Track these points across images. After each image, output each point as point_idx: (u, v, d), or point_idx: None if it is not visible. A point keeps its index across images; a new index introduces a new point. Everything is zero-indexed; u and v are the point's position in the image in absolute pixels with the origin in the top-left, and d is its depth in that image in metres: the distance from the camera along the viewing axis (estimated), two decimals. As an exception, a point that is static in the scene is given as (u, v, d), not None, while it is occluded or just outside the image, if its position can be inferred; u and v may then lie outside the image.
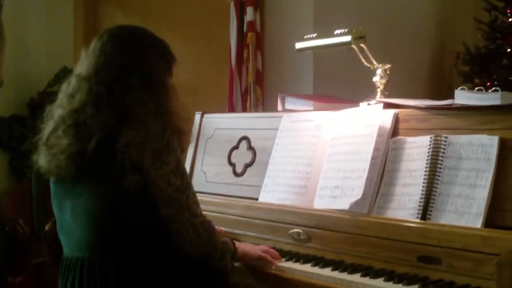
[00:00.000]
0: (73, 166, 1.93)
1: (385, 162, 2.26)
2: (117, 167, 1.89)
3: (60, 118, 1.99)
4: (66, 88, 2.03)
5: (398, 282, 1.93)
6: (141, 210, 1.95)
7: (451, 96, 2.22)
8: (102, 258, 1.94)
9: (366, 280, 1.98)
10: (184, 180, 1.99)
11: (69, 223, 2.00)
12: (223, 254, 2.08)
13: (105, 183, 1.92)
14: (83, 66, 2.02)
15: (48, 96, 4.46)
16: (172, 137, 1.96)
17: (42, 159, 2.02)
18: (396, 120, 2.30)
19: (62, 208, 2.02)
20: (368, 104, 2.47)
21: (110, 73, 1.96)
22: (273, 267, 2.20)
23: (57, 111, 2.02)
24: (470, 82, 4.65)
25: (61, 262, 2.04)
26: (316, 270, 2.12)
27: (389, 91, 2.58)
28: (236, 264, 2.16)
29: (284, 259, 2.25)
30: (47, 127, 2.03)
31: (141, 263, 1.95)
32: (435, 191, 2.07)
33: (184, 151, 2.06)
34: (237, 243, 2.19)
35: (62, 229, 2.05)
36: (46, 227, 4.10)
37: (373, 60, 2.56)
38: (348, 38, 2.54)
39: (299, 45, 2.81)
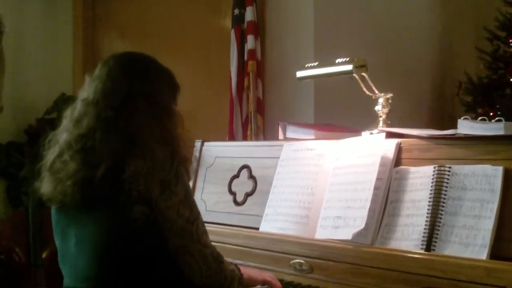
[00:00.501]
0: (79, 193, 1.91)
1: (388, 192, 2.26)
2: (125, 197, 1.87)
3: (66, 143, 1.97)
4: (71, 113, 2.02)
5: (402, 314, 1.92)
6: (147, 243, 1.92)
7: (453, 126, 2.23)
8: None
9: (370, 312, 1.98)
10: (193, 210, 1.98)
11: (72, 252, 1.97)
12: (231, 282, 2.07)
13: (111, 213, 1.90)
14: (89, 91, 2.01)
15: (46, 123, 4.53)
16: (180, 166, 1.95)
17: (45, 186, 2.00)
18: (399, 149, 2.31)
19: (65, 236, 2.00)
20: (371, 133, 2.48)
21: (118, 97, 1.96)
22: None
23: (62, 136, 2.00)
24: (473, 112, 4.67)
25: None
26: (319, 301, 2.11)
27: (391, 120, 2.59)
28: None
29: (285, 290, 2.24)
30: (51, 153, 2.02)
31: None
32: (440, 222, 2.06)
33: (190, 179, 2.05)
34: (242, 269, 2.17)
35: (64, 259, 2.02)
36: (44, 255, 4.07)
37: (374, 89, 2.57)
38: (349, 67, 2.55)
39: (300, 73, 2.83)
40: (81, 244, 1.94)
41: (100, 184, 1.88)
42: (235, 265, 2.17)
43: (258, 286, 2.20)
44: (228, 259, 2.46)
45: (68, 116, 2.03)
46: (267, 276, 2.23)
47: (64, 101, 4.64)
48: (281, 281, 2.31)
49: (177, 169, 1.93)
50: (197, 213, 2.00)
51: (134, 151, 1.89)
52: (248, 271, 2.21)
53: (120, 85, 1.99)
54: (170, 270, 1.97)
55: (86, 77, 2.07)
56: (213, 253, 2.03)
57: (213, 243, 2.04)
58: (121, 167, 1.87)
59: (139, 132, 1.92)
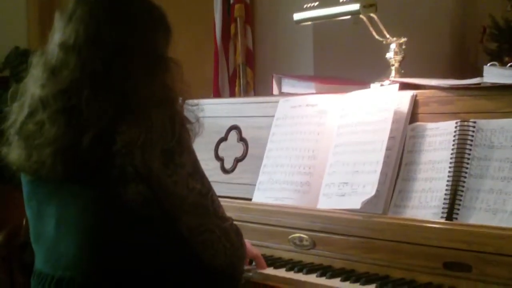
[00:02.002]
0: (61, 165, 1.82)
1: (402, 153, 2.26)
2: (116, 173, 1.80)
3: (40, 100, 1.86)
4: (44, 61, 1.91)
5: (420, 293, 1.94)
6: (145, 229, 1.88)
7: (477, 77, 2.23)
8: (96, 282, 1.88)
9: (383, 292, 2.00)
10: (204, 181, 1.94)
11: (50, 235, 1.92)
12: (245, 258, 2.10)
13: (100, 193, 1.84)
14: (64, 34, 1.89)
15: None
16: (183, 130, 1.88)
17: (15, 152, 1.91)
18: (415, 103, 2.31)
19: (41, 215, 1.94)
20: (381, 85, 2.48)
21: (107, 47, 1.86)
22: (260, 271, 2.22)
23: (32, 89, 1.90)
24: (499, 60, 4.66)
25: (34, 276, 1.98)
26: (323, 281, 2.12)
27: (404, 69, 2.59)
28: None
29: (284, 269, 2.25)
30: (19, 111, 1.92)
31: None
32: (463, 186, 2.07)
33: (193, 142, 1.99)
34: None
35: (38, 239, 1.97)
36: (-1, 238, 4.08)
37: (385, 32, 2.56)
38: (356, 6, 2.54)
39: (297, 15, 2.81)
40: (62, 227, 1.89)
41: (86, 156, 1.80)
42: None
43: (247, 267, 2.21)
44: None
45: (40, 65, 1.92)
46: (256, 251, 2.25)
47: (18, 55, 4.61)
48: (278, 259, 2.33)
49: (180, 135, 1.85)
50: (209, 184, 1.97)
51: (127, 116, 1.81)
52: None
53: (108, 30, 1.88)
54: (178, 261, 1.94)
55: (57, 14, 1.94)
56: (233, 226, 2.02)
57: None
58: (112, 135, 1.79)
59: (134, 92, 1.84)
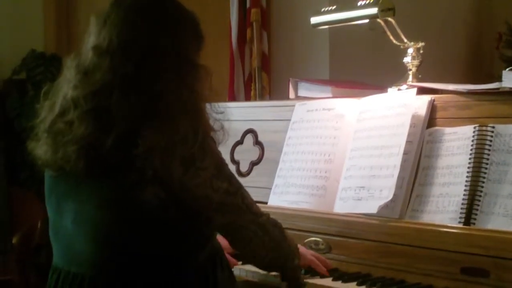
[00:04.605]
0: (83, 160, 1.84)
1: (419, 158, 2.25)
2: (136, 176, 1.82)
3: (72, 101, 1.88)
4: (77, 64, 1.93)
5: (437, 298, 1.94)
6: (160, 231, 1.88)
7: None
8: (107, 281, 1.89)
9: (399, 297, 1.99)
10: (232, 181, 1.95)
11: (68, 230, 1.93)
12: (295, 254, 2.09)
13: (118, 192, 1.85)
14: (101, 37, 1.91)
15: (14, 84, 4.52)
16: (206, 137, 1.89)
17: (42, 148, 1.92)
18: (433, 107, 2.30)
19: (61, 209, 1.96)
20: (399, 90, 2.47)
21: (139, 50, 1.88)
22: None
23: (65, 90, 1.92)
24: (515, 68, 4.64)
25: (53, 271, 1.99)
26: (339, 285, 2.11)
27: (422, 74, 2.58)
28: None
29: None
30: (49, 110, 1.94)
31: None
32: (481, 191, 2.07)
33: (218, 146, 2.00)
34: None
35: (57, 235, 1.99)
36: (14, 240, 4.09)
37: (403, 37, 2.56)
38: (374, 10, 2.54)
39: (314, 19, 2.81)
40: (79, 223, 1.91)
41: (108, 155, 1.82)
42: None
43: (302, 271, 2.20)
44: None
45: (74, 67, 1.94)
46: (313, 255, 2.23)
47: (35, 58, 4.62)
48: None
49: (202, 141, 1.86)
50: (238, 183, 1.98)
51: (153, 121, 1.82)
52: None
53: (142, 34, 1.90)
54: (193, 268, 1.93)
55: (92, 18, 1.96)
56: (270, 219, 2.03)
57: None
58: (136, 138, 1.81)
59: (162, 95, 1.85)
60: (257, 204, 2.04)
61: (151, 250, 1.89)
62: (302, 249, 2.21)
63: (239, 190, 1.97)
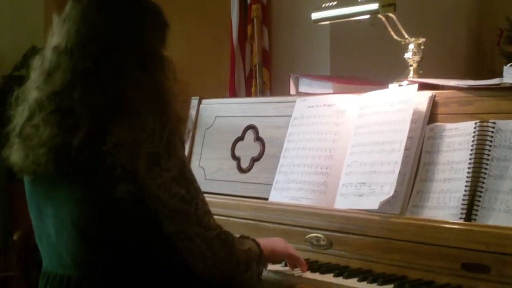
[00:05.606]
0: (53, 163, 1.84)
1: (420, 154, 2.25)
2: (106, 172, 1.82)
3: (36, 103, 1.89)
4: (41, 64, 1.93)
5: (438, 294, 1.93)
6: (137, 227, 1.88)
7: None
8: (91, 279, 1.89)
9: (400, 293, 1.99)
10: (191, 187, 1.90)
11: (51, 234, 1.94)
12: (247, 265, 2.00)
13: (92, 191, 1.85)
14: (60, 36, 1.91)
15: (15, 80, 4.52)
16: (172, 135, 1.87)
17: (16, 154, 1.93)
18: (433, 103, 2.30)
19: (42, 214, 1.96)
20: (400, 85, 2.47)
21: (99, 46, 1.88)
22: (303, 272, 2.19)
23: (31, 93, 1.92)
24: (516, 64, 4.64)
25: (42, 276, 2.00)
26: (340, 280, 2.11)
27: (423, 70, 2.58)
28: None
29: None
30: (19, 115, 1.94)
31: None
32: (482, 187, 2.06)
33: (186, 142, 1.99)
34: (263, 241, 2.11)
35: (41, 239, 2.00)
36: (15, 237, 4.09)
37: (404, 32, 2.55)
38: (375, 5, 2.53)
39: (315, 15, 2.80)
40: (60, 226, 1.91)
41: (77, 155, 1.82)
42: (253, 239, 2.10)
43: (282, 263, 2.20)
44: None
45: (38, 68, 1.94)
46: (292, 250, 2.20)
47: (35, 55, 4.60)
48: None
49: (168, 140, 1.85)
50: (196, 191, 1.93)
51: (119, 117, 1.83)
52: (271, 243, 2.16)
53: (101, 29, 1.90)
54: (170, 262, 1.93)
55: (54, 17, 1.96)
56: (220, 235, 1.95)
57: (214, 217, 2.00)
58: (103, 135, 1.81)
59: (126, 90, 1.85)
60: (213, 216, 1.97)
61: (130, 247, 1.89)
62: (277, 243, 2.18)
63: (195, 199, 1.91)
